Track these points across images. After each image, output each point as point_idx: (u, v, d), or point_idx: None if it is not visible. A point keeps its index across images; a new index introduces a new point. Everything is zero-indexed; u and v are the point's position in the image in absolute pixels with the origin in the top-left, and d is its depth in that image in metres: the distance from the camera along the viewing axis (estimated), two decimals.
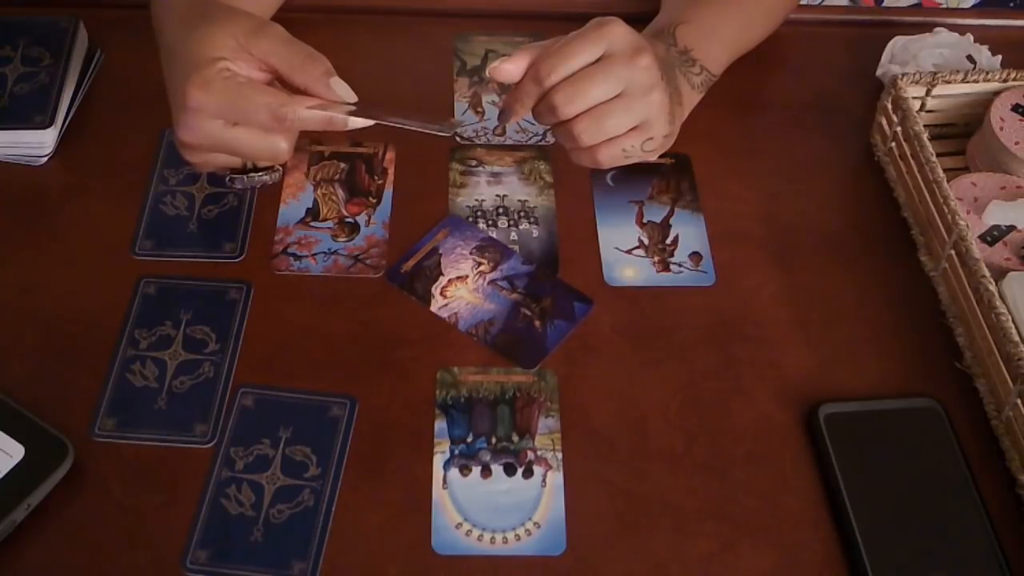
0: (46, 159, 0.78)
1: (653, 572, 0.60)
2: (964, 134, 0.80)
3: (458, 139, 0.81)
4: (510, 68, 0.64)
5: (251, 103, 0.61)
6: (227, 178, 0.70)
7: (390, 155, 0.80)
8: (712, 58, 0.75)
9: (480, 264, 0.73)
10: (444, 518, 0.61)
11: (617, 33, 0.63)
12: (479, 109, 0.83)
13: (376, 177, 0.78)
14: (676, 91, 0.70)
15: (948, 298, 0.71)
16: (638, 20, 0.82)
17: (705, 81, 0.74)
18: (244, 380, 0.67)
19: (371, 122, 0.63)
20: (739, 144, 0.81)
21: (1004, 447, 0.64)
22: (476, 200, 0.77)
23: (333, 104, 0.63)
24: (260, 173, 0.69)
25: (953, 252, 0.69)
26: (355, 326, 0.70)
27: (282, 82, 0.64)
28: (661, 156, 0.79)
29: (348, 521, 0.61)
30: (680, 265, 0.74)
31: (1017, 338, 0.62)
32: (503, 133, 0.81)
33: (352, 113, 0.63)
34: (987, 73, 0.77)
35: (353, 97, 0.63)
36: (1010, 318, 0.63)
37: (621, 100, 0.64)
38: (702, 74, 0.74)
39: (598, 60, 0.63)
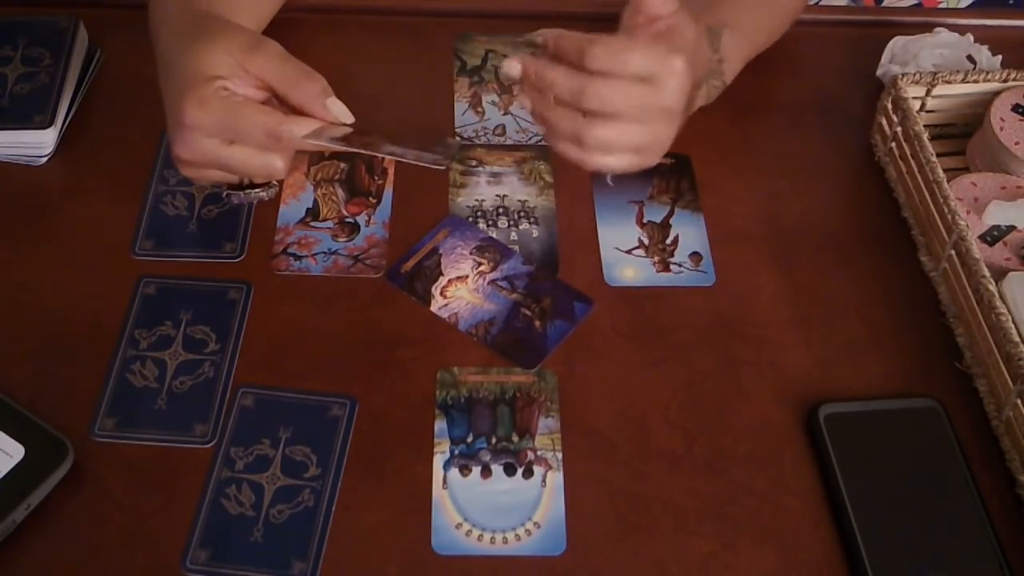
0: (46, 159, 0.78)
1: (653, 572, 0.60)
2: (964, 134, 0.80)
3: (458, 139, 0.81)
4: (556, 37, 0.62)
5: (247, 122, 0.61)
6: (224, 193, 0.70)
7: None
8: (733, 69, 0.75)
9: (480, 264, 0.73)
10: (444, 518, 0.61)
11: (673, 67, 0.60)
12: (479, 109, 0.83)
13: (376, 177, 0.78)
14: (686, 116, 0.68)
15: (948, 298, 0.71)
16: None
17: (717, 92, 0.74)
18: (244, 380, 0.67)
19: (367, 152, 0.63)
20: (739, 144, 0.81)
21: (1004, 447, 0.64)
22: (476, 200, 0.77)
23: (329, 125, 0.63)
24: (256, 189, 0.69)
25: (953, 252, 0.69)
26: (355, 326, 0.70)
27: (279, 99, 0.64)
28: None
29: (348, 521, 0.61)
30: (680, 265, 0.74)
31: (1017, 338, 0.62)
32: (503, 133, 0.81)
33: (348, 136, 0.63)
34: (987, 73, 0.77)
35: (350, 118, 0.63)
36: (1010, 318, 0.63)
37: (636, 125, 0.61)
38: (719, 87, 0.74)
39: (644, 79, 0.60)
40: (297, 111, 0.63)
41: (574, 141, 0.63)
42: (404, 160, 0.64)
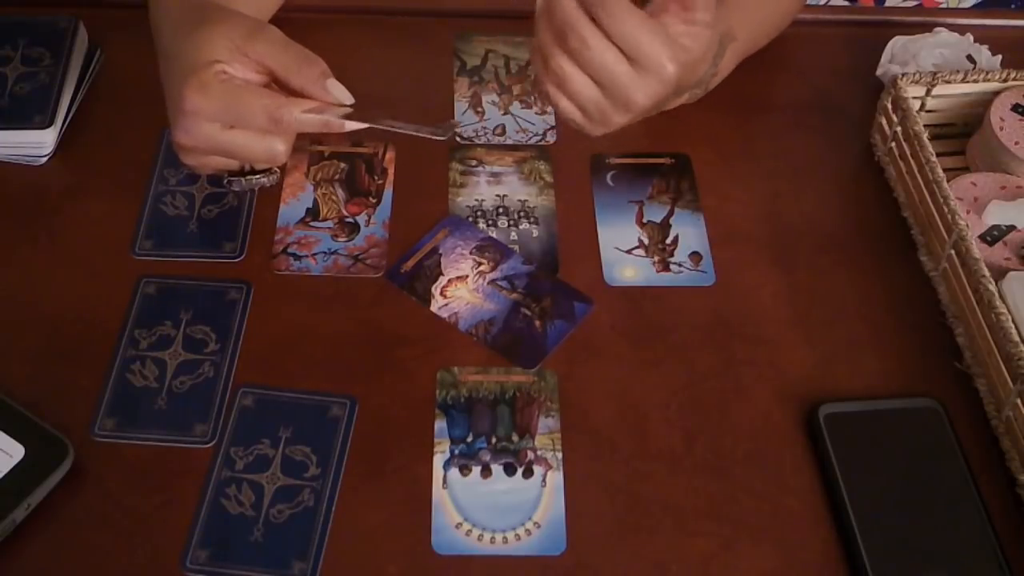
0: (46, 159, 0.78)
1: (653, 572, 0.60)
2: (964, 134, 0.80)
3: (458, 139, 0.81)
4: None
5: (248, 106, 0.61)
6: (225, 180, 0.70)
7: (390, 155, 0.80)
8: (725, 70, 0.75)
9: (480, 264, 0.73)
10: (444, 518, 0.61)
11: (664, 78, 0.60)
12: (479, 109, 0.83)
13: (376, 177, 0.78)
14: (655, 111, 0.69)
15: (948, 298, 0.71)
16: None
17: (699, 96, 0.75)
18: (244, 380, 0.67)
19: (367, 125, 0.63)
20: (739, 144, 0.81)
21: (1004, 447, 0.64)
22: (476, 200, 0.77)
23: (330, 106, 0.63)
24: (258, 175, 0.69)
25: (953, 252, 0.69)
26: (355, 326, 0.70)
27: (279, 84, 0.64)
28: (661, 156, 0.80)
29: (348, 521, 0.61)
30: (680, 265, 0.74)
31: (1017, 338, 0.62)
32: (503, 133, 0.81)
33: (349, 116, 0.63)
34: (987, 73, 0.77)
35: (350, 99, 0.63)
36: (1010, 318, 0.63)
37: (594, 87, 0.61)
38: (701, 94, 0.74)
39: (633, 58, 0.60)
40: (298, 95, 0.63)
41: (543, 59, 0.62)
42: (404, 131, 0.64)
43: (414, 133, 0.64)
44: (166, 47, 0.66)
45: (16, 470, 0.60)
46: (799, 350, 0.69)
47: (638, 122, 0.73)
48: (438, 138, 0.64)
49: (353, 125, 0.63)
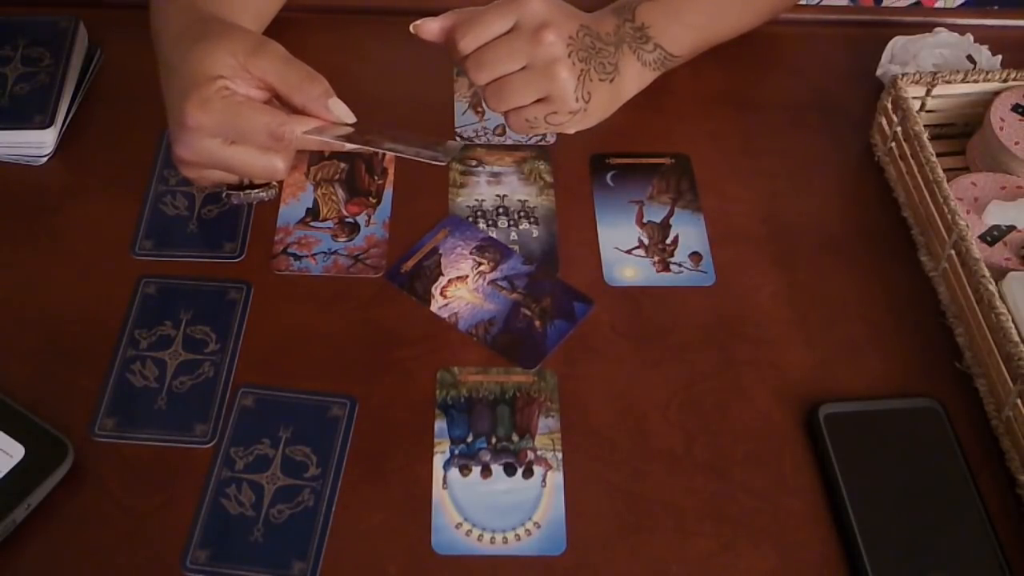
0: (46, 159, 0.78)
1: (653, 572, 0.60)
2: (964, 134, 0.80)
3: (458, 139, 0.81)
4: (432, 27, 0.68)
5: (249, 122, 0.61)
6: (223, 194, 0.70)
7: (390, 155, 0.80)
8: (672, 38, 0.74)
9: (480, 264, 0.73)
10: (444, 518, 0.61)
11: (529, 7, 0.67)
12: (479, 109, 0.83)
13: (376, 177, 0.78)
14: (609, 68, 0.71)
15: (948, 298, 0.71)
16: None
17: (659, 59, 0.74)
18: (244, 380, 0.67)
19: (368, 149, 0.64)
20: (739, 144, 0.81)
21: (1004, 447, 0.64)
22: (476, 200, 0.77)
23: (331, 124, 0.63)
24: (257, 190, 0.69)
25: (953, 252, 0.69)
26: (355, 326, 0.70)
27: (280, 101, 0.64)
28: (661, 156, 0.80)
29: (348, 521, 0.61)
30: (680, 265, 0.74)
31: (1017, 338, 0.62)
32: (503, 133, 0.81)
33: (350, 136, 0.63)
34: (987, 73, 0.77)
35: (351, 118, 0.64)
36: (1010, 318, 0.63)
37: (523, 73, 0.67)
38: (656, 51, 0.73)
39: (507, 32, 0.67)
40: (299, 112, 0.63)
41: (503, 112, 0.69)
42: (404, 156, 0.64)
43: (414, 158, 0.64)
44: (166, 56, 0.66)
45: (16, 470, 0.60)
46: (799, 350, 0.69)
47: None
48: (439, 163, 0.65)
49: (353, 147, 0.64)
